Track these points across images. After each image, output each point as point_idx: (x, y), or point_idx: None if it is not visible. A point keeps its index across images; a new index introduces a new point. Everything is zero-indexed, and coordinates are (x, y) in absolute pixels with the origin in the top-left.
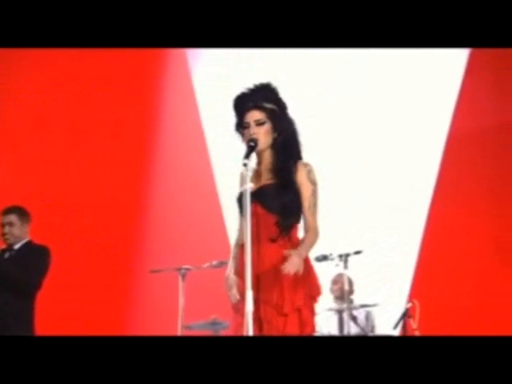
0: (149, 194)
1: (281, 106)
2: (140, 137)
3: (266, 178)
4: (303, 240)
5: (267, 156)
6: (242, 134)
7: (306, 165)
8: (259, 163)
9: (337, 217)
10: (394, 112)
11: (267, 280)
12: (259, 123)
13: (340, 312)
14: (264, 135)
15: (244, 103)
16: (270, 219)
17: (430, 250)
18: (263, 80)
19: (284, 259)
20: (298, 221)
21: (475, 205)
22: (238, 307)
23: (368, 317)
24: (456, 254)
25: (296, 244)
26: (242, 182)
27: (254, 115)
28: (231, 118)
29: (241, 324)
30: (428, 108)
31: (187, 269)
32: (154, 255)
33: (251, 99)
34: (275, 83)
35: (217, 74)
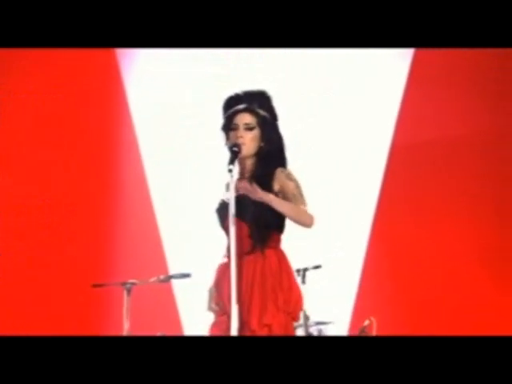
0: (84, 202)
1: (273, 116)
2: (71, 142)
3: None
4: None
5: (249, 164)
6: (227, 135)
7: (283, 170)
8: (242, 171)
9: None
10: (332, 121)
11: (241, 295)
12: (248, 127)
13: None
14: (250, 141)
15: (236, 105)
16: (244, 231)
17: (376, 264)
18: (192, 80)
19: (259, 273)
20: (272, 232)
21: (420, 215)
22: (217, 320)
23: (320, 334)
24: (403, 266)
25: (275, 257)
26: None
27: (245, 118)
28: (166, 124)
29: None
30: (370, 116)
31: (133, 283)
32: (97, 269)
33: (244, 102)
34: (205, 84)
35: (150, 74)
